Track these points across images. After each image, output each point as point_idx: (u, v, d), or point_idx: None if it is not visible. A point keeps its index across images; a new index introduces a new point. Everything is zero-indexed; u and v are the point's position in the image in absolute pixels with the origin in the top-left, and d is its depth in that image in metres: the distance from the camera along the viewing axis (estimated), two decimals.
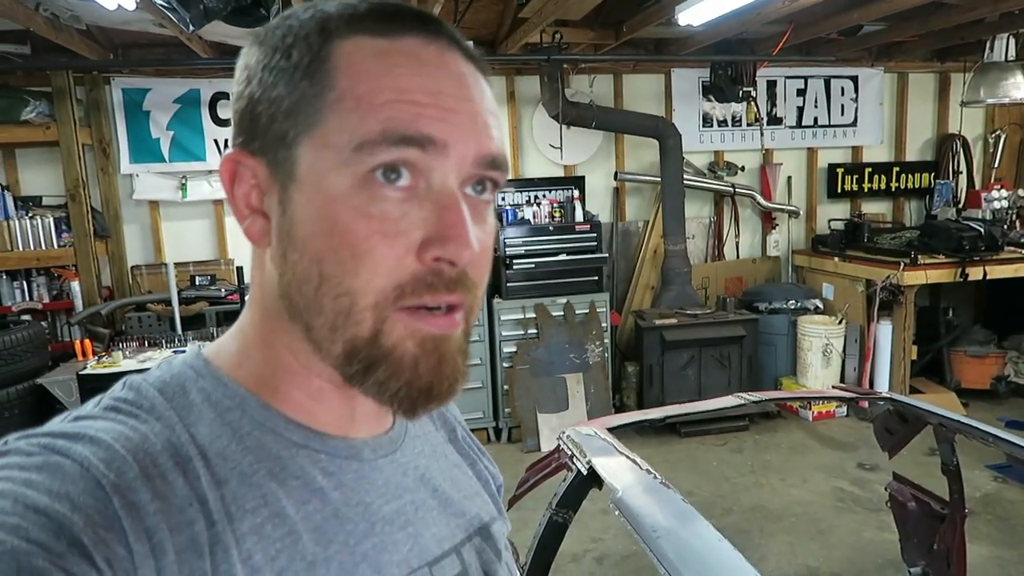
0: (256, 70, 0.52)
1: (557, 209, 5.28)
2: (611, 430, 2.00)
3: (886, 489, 2.87)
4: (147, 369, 0.57)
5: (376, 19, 0.51)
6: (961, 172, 6.28)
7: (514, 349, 4.99)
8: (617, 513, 1.51)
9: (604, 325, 5.14)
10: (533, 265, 4.96)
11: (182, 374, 0.55)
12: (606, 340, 5.15)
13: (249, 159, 0.52)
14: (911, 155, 6.29)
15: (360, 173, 0.48)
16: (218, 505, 0.49)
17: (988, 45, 4.83)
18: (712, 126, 5.84)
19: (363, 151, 0.48)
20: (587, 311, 5.10)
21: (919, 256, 4.96)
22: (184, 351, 0.59)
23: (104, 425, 0.49)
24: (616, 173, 5.65)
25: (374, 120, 0.48)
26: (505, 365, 5.00)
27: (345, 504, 0.55)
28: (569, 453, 1.91)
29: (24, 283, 4.72)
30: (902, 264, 4.93)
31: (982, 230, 5.02)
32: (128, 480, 0.45)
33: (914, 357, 5.30)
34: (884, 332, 5.17)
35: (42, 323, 4.63)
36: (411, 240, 0.49)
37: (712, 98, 5.68)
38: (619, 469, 1.69)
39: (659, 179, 5.42)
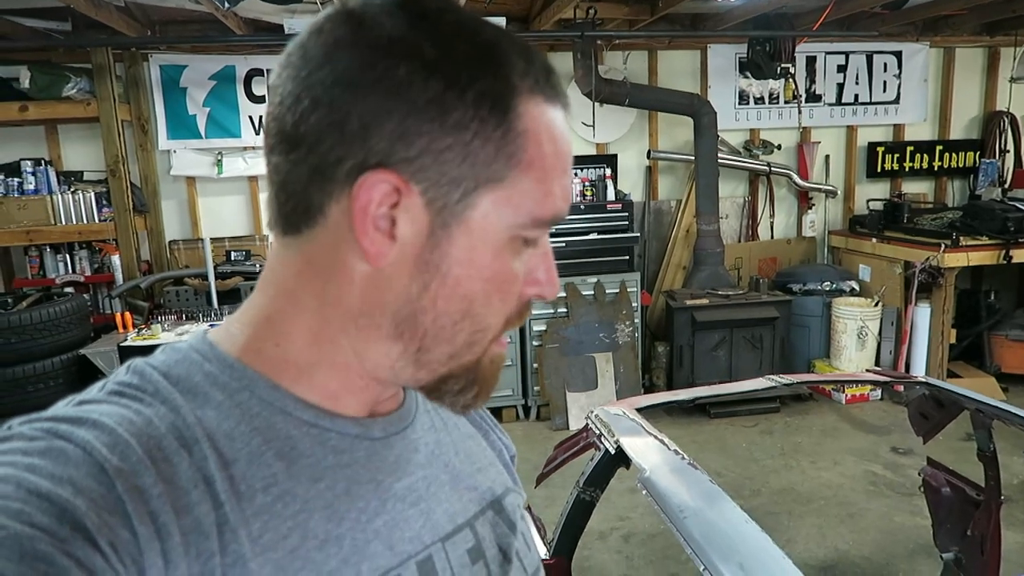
0: (398, 86, 0.49)
1: (589, 188, 5.25)
2: (640, 410, 2.00)
3: (920, 474, 2.83)
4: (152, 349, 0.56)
5: (544, 75, 0.54)
6: (1008, 151, 6.07)
7: (544, 328, 5.00)
8: (644, 492, 1.52)
9: (634, 305, 5.12)
10: (564, 244, 4.94)
11: (187, 358, 0.55)
12: (636, 320, 5.13)
13: (404, 185, 0.50)
14: (956, 133, 6.10)
15: (517, 235, 0.54)
16: (225, 485, 0.49)
17: None
18: (748, 103, 5.73)
19: (534, 225, 0.54)
20: (617, 291, 5.07)
21: (961, 237, 4.83)
22: (219, 325, 0.60)
23: (108, 409, 0.49)
24: (649, 151, 5.58)
25: (551, 204, 0.54)
26: (535, 344, 5.01)
27: (356, 482, 0.55)
28: (597, 432, 1.92)
29: (67, 256, 4.85)
30: (943, 246, 4.81)
31: None
32: (131, 464, 0.46)
33: (953, 341, 5.20)
34: (922, 315, 5.07)
35: (84, 296, 4.76)
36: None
37: (749, 75, 5.55)
38: (647, 449, 1.69)
39: (693, 158, 5.35)
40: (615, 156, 5.54)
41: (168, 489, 0.46)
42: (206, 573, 0.46)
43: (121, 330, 4.30)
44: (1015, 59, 4.87)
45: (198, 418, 0.51)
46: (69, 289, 4.77)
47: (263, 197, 5.17)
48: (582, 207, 5.05)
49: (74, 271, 4.87)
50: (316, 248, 0.53)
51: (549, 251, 0.58)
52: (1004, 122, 6.00)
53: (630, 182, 5.64)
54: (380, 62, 0.49)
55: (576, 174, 5.35)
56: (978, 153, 6.04)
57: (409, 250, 0.51)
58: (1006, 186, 5.87)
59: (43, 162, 4.76)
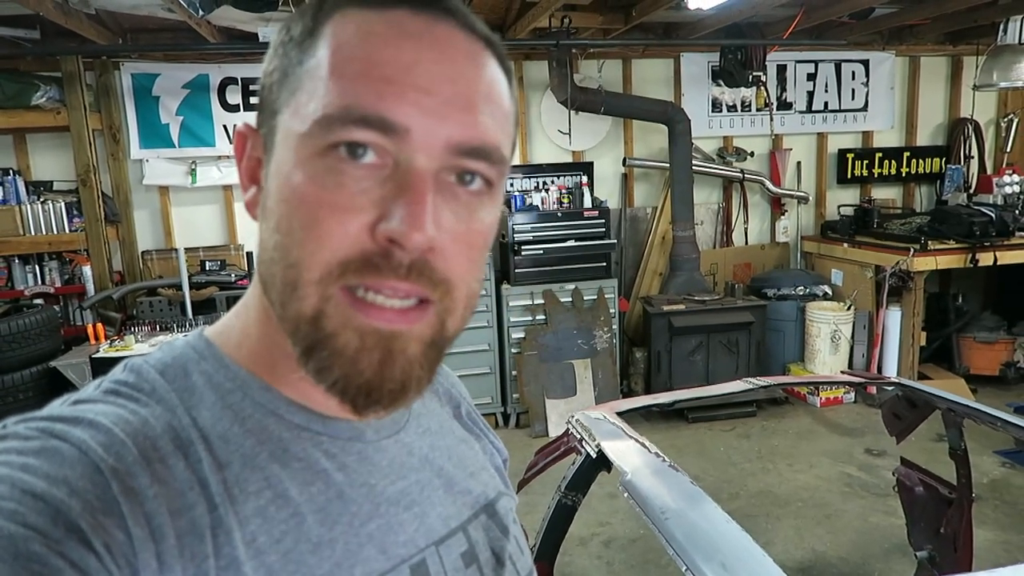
0: (273, 48, 0.53)
1: (565, 195, 5.28)
2: (620, 414, 2.01)
3: (893, 474, 2.88)
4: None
5: None
6: (973, 157, 6.22)
7: (522, 335, 5.00)
8: (626, 495, 1.53)
9: (612, 311, 5.14)
10: (541, 251, 4.96)
11: (184, 356, 0.55)
12: (614, 326, 5.15)
13: (252, 131, 0.54)
14: (922, 140, 6.24)
15: (321, 146, 0.47)
16: (220, 488, 0.48)
17: (1002, 28, 4.76)
18: (721, 111, 5.81)
19: (324, 126, 0.46)
20: (595, 297, 5.10)
21: (929, 242, 4.94)
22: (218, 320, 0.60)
23: (104, 408, 0.48)
24: (625, 159, 5.63)
25: (339, 94, 0.46)
26: (513, 351, 5.02)
27: (349, 485, 0.55)
28: (578, 437, 1.93)
29: (36, 267, 4.76)
30: (912, 250, 4.91)
31: (993, 215, 4.99)
32: (127, 464, 0.45)
33: (923, 343, 5.30)
34: (893, 318, 5.16)
35: (55, 307, 4.67)
36: (367, 218, 0.47)
37: (722, 83, 5.63)
38: (628, 452, 1.70)
39: (668, 165, 5.40)
40: (591, 164, 5.58)
41: (163, 491, 0.46)
42: (200, 575, 0.46)
43: (93, 342, 4.22)
44: (977, 67, 5.00)
45: (193, 419, 0.51)
46: (39, 301, 4.67)
47: (239, 207, 5.14)
48: (559, 214, 5.07)
49: (44, 282, 4.77)
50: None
51: (414, 182, 0.47)
52: (968, 129, 6.15)
53: (606, 189, 5.68)
54: (280, 35, 0.53)
55: (553, 181, 5.39)
56: (944, 159, 6.19)
57: (262, 194, 0.53)
58: (971, 191, 6.01)
59: (11, 172, 4.67)
